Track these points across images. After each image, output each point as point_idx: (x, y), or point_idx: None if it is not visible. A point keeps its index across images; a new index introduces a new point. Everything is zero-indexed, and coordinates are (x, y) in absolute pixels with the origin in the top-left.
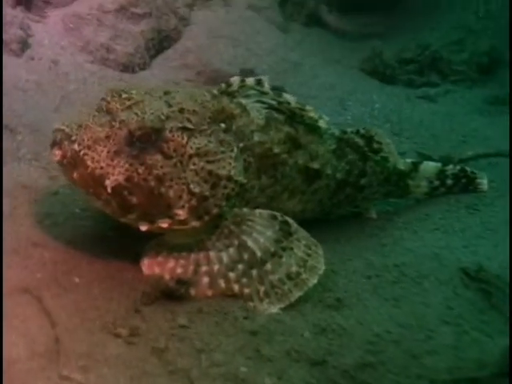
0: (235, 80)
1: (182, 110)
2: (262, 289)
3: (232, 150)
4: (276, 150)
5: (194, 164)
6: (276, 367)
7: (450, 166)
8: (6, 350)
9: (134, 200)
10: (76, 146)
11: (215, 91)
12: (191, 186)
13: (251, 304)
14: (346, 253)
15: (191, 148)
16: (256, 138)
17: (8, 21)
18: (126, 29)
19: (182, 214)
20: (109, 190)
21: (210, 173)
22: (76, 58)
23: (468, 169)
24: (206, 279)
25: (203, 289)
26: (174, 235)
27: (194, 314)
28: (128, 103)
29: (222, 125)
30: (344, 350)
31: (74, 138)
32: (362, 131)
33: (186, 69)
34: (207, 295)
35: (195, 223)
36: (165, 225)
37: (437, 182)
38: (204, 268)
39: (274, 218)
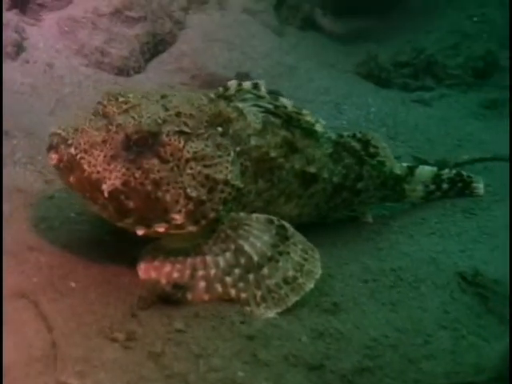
0: (232, 84)
1: (178, 114)
2: (259, 293)
3: (229, 154)
4: (273, 154)
5: (191, 168)
6: (273, 372)
7: (446, 170)
8: (3, 355)
9: (131, 204)
10: (73, 150)
11: (212, 95)
12: (188, 191)
13: (248, 308)
14: (342, 257)
15: (188, 152)
16: (253, 142)
17: (3, 24)
18: (120, 32)
19: (178, 218)
20: (105, 195)
21: (206, 177)
22: (71, 62)
23: (464, 173)
24: (202, 284)
25: (200, 293)
26: (170, 239)
27: (191, 319)
28: (125, 107)
29: (219, 129)
30: (341, 354)
31: (70, 141)
32: (359, 135)
33: (181, 72)
34: (204, 300)
35: (192, 228)
36: (161, 229)
37: (433, 186)
38: (201, 272)
39: (271, 222)
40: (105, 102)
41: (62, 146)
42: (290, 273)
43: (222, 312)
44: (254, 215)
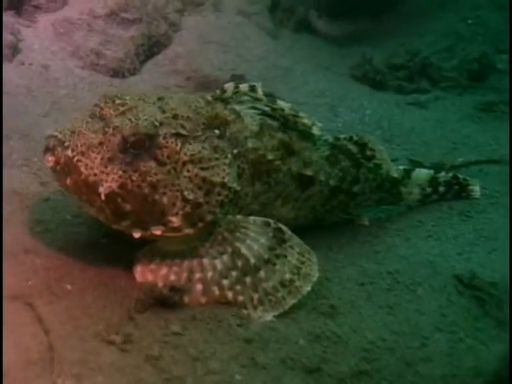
0: (229, 86)
1: (175, 116)
2: (256, 296)
3: (226, 157)
4: (270, 156)
5: (188, 171)
6: (271, 375)
7: (443, 173)
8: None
9: (128, 207)
10: (69, 153)
11: (209, 97)
12: (185, 193)
13: (245, 311)
14: (339, 260)
15: (185, 154)
16: (250, 144)
17: None
18: (116, 34)
19: (175, 221)
20: (102, 197)
21: (203, 179)
22: (66, 63)
23: (460, 176)
24: (199, 286)
25: (197, 296)
26: (167, 242)
27: (188, 322)
28: (122, 109)
29: (216, 131)
30: (339, 357)
31: (67, 144)
32: (356, 138)
33: (176, 74)
34: (201, 302)
35: (189, 230)
36: (158, 232)
37: (429, 189)
38: (197, 275)
39: (268, 224)
40: (102, 104)
41: (59, 149)
42: (287, 276)
43: (219, 315)
44: (251, 218)
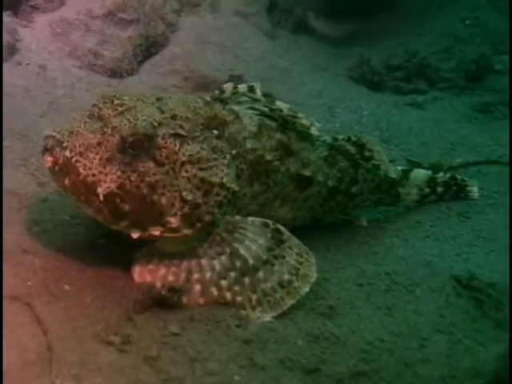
0: (228, 87)
1: (174, 117)
2: (255, 297)
3: (224, 157)
4: (268, 157)
5: (187, 171)
6: (269, 376)
7: (441, 174)
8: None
9: (126, 207)
10: (68, 153)
11: (208, 98)
12: (183, 194)
13: (243, 312)
14: (337, 260)
15: (183, 155)
16: (248, 144)
17: None
18: (113, 34)
19: (174, 221)
20: (101, 198)
21: (202, 180)
22: (64, 64)
23: (458, 176)
24: (198, 287)
25: (195, 297)
26: (165, 242)
27: (186, 322)
28: (120, 109)
29: (215, 131)
30: (337, 358)
31: (65, 144)
32: (354, 138)
33: (173, 75)
34: (199, 303)
35: (187, 231)
36: (157, 232)
37: (427, 190)
38: (196, 276)
39: (266, 225)
40: (100, 105)
41: (57, 149)
42: (286, 276)
43: (218, 316)
44: (250, 218)
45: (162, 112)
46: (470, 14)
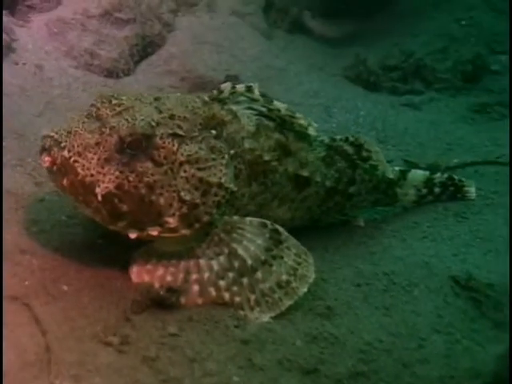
0: (226, 86)
1: (172, 117)
2: (253, 297)
3: (223, 157)
4: (266, 157)
5: (185, 171)
6: (268, 376)
7: (438, 174)
8: None
9: (125, 208)
10: (66, 153)
11: (206, 97)
12: (182, 194)
13: (242, 312)
14: (335, 261)
15: (182, 155)
16: (246, 144)
17: None
18: (110, 34)
19: (172, 221)
20: (99, 198)
21: (200, 180)
22: (60, 63)
23: (456, 177)
24: (196, 287)
25: (193, 297)
26: (163, 243)
27: (185, 323)
28: (118, 109)
29: (213, 131)
30: (336, 358)
31: (63, 144)
32: (352, 139)
33: (170, 75)
34: (197, 303)
35: (185, 231)
36: (155, 232)
37: (425, 190)
38: (194, 276)
39: (265, 225)
40: (98, 105)
41: (55, 149)
42: (284, 277)
43: (216, 316)
44: (248, 219)
45: (160, 112)
46: (465, 14)
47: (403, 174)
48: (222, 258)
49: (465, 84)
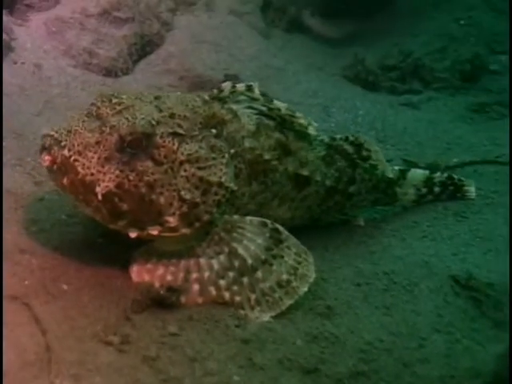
0: (226, 86)
1: (172, 116)
2: (253, 297)
3: (223, 156)
4: (266, 156)
5: (185, 170)
6: (268, 376)
7: (438, 174)
8: None
9: (125, 207)
10: (66, 152)
11: (206, 96)
12: (182, 193)
13: (242, 312)
14: (335, 260)
15: (182, 154)
16: (247, 144)
17: None
18: (108, 33)
19: (172, 221)
20: (99, 197)
21: (200, 179)
22: (59, 63)
23: (455, 176)
24: (196, 286)
25: (194, 296)
26: (163, 242)
27: (185, 322)
28: (118, 108)
29: (213, 130)
30: (336, 358)
31: (63, 143)
32: (351, 138)
33: (168, 74)
34: (198, 303)
35: (186, 230)
36: (155, 232)
37: (424, 190)
38: (194, 275)
39: (265, 225)
40: (98, 103)
41: (55, 148)
42: (284, 276)
43: (216, 315)
44: (248, 218)
45: (161, 111)
46: (465, 13)
47: (403, 174)
48: (222, 258)
49: (463, 83)
